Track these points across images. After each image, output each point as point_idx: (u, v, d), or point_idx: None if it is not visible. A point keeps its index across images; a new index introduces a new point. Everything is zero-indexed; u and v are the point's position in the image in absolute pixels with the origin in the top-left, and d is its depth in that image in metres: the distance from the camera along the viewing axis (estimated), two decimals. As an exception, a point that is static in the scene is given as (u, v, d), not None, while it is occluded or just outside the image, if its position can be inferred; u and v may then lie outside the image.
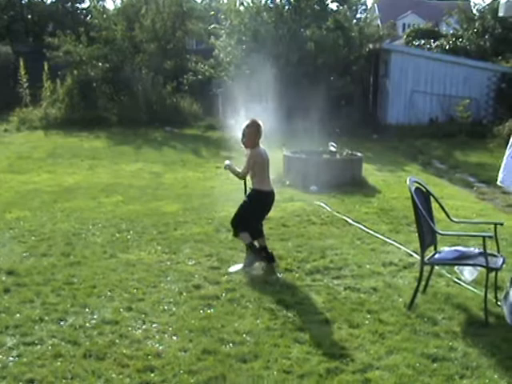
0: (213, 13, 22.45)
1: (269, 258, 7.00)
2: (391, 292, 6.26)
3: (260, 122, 6.98)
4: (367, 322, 5.54)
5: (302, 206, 10.00)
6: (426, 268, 6.06)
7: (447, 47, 23.83)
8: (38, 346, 4.98)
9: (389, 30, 26.95)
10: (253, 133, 6.92)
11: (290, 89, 19.08)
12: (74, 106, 20.22)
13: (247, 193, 7.15)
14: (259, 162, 6.93)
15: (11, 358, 4.77)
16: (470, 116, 18.77)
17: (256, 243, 7.04)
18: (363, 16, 22.58)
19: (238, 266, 6.87)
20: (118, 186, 11.35)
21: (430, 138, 17.71)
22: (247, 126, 6.93)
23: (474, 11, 26.45)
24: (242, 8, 21.03)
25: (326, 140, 12.98)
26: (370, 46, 21.32)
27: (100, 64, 20.92)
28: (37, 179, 12.08)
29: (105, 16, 21.91)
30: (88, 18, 27.30)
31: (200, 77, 21.18)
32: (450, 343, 5.11)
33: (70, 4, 30.60)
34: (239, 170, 7.03)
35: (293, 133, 17.09)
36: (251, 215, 7.04)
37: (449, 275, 6.65)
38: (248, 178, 7.09)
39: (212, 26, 22.09)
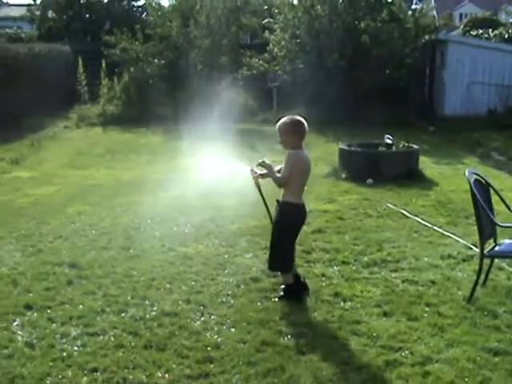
0: (266, 7, 22.46)
1: (305, 286, 6.00)
2: (450, 285, 6.19)
3: (302, 120, 5.73)
4: (426, 314, 5.50)
5: (358, 199, 9.95)
6: (486, 261, 5.97)
7: (506, 36, 23.32)
8: (101, 337, 5.10)
9: (445, 21, 26.62)
10: (294, 133, 5.69)
11: (344, 82, 18.97)
12: (130, 103, 20.54)
13: (277, 209, 5.87)
14: (299, 167, 5.68)
15: (75, 348, 4.90)
16: (531, 106, 18.35)
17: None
18: (419, 7, 22.25)
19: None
20: (175, 181, 11.46)
21: (488, 129, 17.37)
22: (286, 125, 5.71)
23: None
24: (295, 1, 21.00)
25: (382, 133, 12.85)
26: (426, 37, 21.02)
27: (156, 61, 21.16)
28: (96, 174, 12.33)
29: (160, 13, 22.13)
30: (143, 16, 27.70)
31: (254, 71, 21.22)
32: (512, 337, 5.04)
33: (126, 2, 31.07)
34: (278, 175, 5.74)
35: (348, 126, 17.03)
36: (288, 240, 5.87)
37: (509, 268, 6.54)
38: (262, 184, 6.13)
39: (266, 20, 22.13)
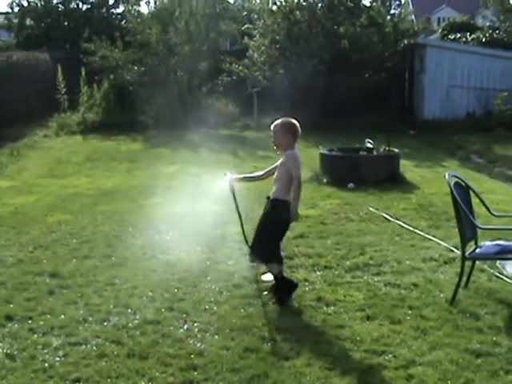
0: (245, 13, 22.50)
1: (294, 283, 6.13)
2: (432, 288, 6.22)
3: (295, 122, 6.07)
4: (409, 317, 5.51)
5: (340, 203, 9.98)
6: (468, 263, 6.00)
7: (484, 40, 23.52)
8: (83, 346, 5.06)
9: (424, 25, 26.79)
10: (292, 133, 6.00)
11: (324, 87, 19.04)
12: (110, 110, 20.46)
13: (268, 205, 6.04)
14: (297, 166, 5.90)
15: (57, 358, 4.86)
16: (509, 109, 18.48)
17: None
18: (397, 11, 22.43)
19: (272, 276, 6.28)
20: (156, 189, 11.43)
21: (467, 132, 17.50)
22: (285, 126, 6.04)
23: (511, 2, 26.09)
24: (274, 7, 21.06)
25: (363, 137, 12.90)
26: (405, 41, 21.16)
27: (136, 68, 21.09)
28: (77, 183, 12.25)
29: (139, 20, 22.07)
30: (123, 23, 27.61)
31: (234, 77, 21.25)
32: (494, 338, 5.06)
33: (104, 10, 30.96)
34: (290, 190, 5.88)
35: (328, 131, 17.08)
36: (277, 235, 6.05)
37: (491, 270, 6.58)
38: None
39: (245, 26, 22.16)
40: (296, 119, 6.14)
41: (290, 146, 5.98)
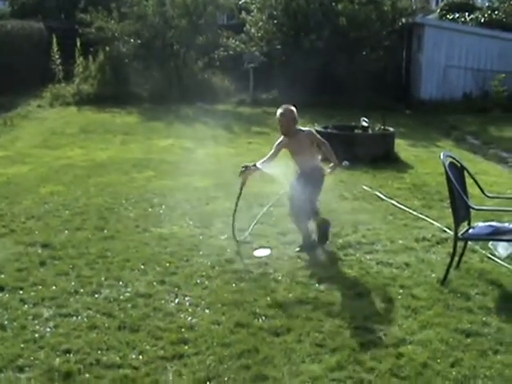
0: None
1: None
2: (424, 267, 6.23)
3: (293, 108, 6.80)
4: (400, 296, 5.53)
5: (333, 181, 9.95)
6: (460, 244, 6.01)
7: (482, 20, 23.36)
8: (74, 318, 5.06)
9: (422, 4, 26.56)
10: (295, 120, 6.79)
11: (321, 64, 18.94)
12: (106, 82, 20.28)
13: (310, 176, 6.72)
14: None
15: (48, 329, 4.85)
16: (506, 91, 18.43)
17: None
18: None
19: (265, 251, 6.62)
20: (149, 162, 11.41)
21: (463, 113, 17.46)
22: (294, 113, 6.79)
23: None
24: (273, -18, 20.85)
25: (358, 115, 12.86)
26: (403, 20, 20.99)
27: (132, 40, 20.90)
28: (70, 154, 12.19)
29: (136, -9, 21.83)
30: (119, -6, 27.28)
31: (231, 52, 21.10)
32: (484, 318, 5.08)
33: (101, -20, 30.57)
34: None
35: (324, 108, 17.03)
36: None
37: (483, 251, 6.59)
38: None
39: (243, 0, 21.96)
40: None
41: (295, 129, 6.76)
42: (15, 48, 20.05)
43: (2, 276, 5.90)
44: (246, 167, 6.67)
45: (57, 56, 20.19)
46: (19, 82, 19.53)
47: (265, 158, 6.67)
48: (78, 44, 20.26)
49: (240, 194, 6.91)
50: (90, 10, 21.28)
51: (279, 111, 6.82)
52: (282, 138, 6.82)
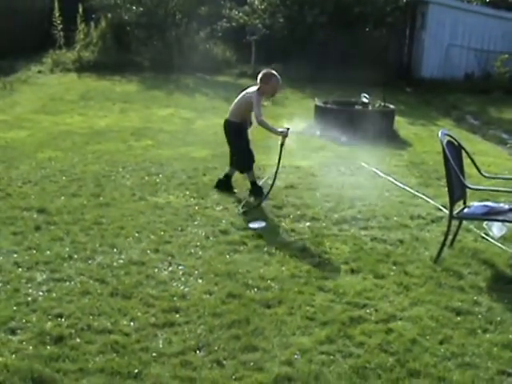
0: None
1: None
2: (418, 245, 6.25)
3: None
4: (392, 273, 5.55)
5: (331, 156, 9.96)
6: (454, 222, 6.02)
7: (487, 0, 23.17)
8: (67, 283, 5.08)
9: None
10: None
11: (324, 38, 18.83)
12: (107, 50, 20.14)
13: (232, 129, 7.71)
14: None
15: (41, 293, 4.87)
16: (508, 72, 18.32)
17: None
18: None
19: (260, 224, 6.68)
20: (148, 131, 11.38)
21: (464, 93, 17.36)
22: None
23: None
24: (278, -47, 20.63)
25: (359, 91, 12.81)
26: (408, -4, 20.85)
27: (134, 8, 20.74)
28: (69, 121, 12.15)
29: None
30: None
31: (234, 24, 20.95)
32: (475, 297, 5.10)
33: None
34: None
35: (325, 83, 16.95)
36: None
37: (477, 230, 6.61)
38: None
39: (248, -29, 21.72)
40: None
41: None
42: (17, 13, 19.88)
43: (-3, 239, 5.91)
44: (287, 129, 7.35)
45: (58, 22, 20.01)
46: (20, 47, 19.41)
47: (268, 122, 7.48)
48: (80, 10, 20.08)
49: (280, 154, 7.34)
50: (94, -25, 21.07)
51: (278, 77, 7.58)
52: (260, 97, 7.51)
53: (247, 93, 7.64)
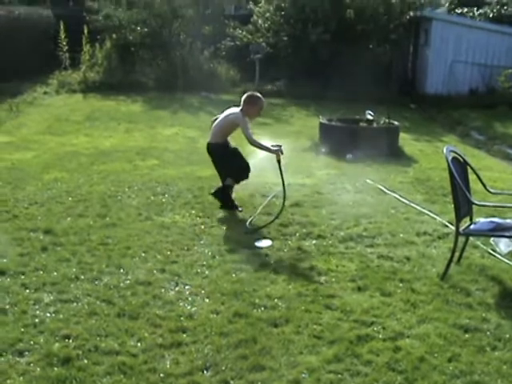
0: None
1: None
2: (424, 262, 6.24)
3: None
4: (399, 290, 5.53)
5: (337, 173, 9.97)
6: (461, 239, 6.02)
7: (491, 15, 23.24)
8: (74, 304, 5.08)
9: (431, -2, 26.36)
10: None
11: (327, 56, 18.91)
12: (112, 70, 20.28)
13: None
14: None
15: (48, 314, 4.88)
16: (512, 87, 18.34)
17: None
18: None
19: (267, 243, 6.68)
20: (153, 150, 11.42)
21: (469, 108, 17.36)
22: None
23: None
24: (281, -27, 20.78)
25: (364, 108, 12.84)
26: (411, 13, 20.91)
27: (139, 28, 20.90)
28: (74, 141, 12.20)
29: (144, -20, 21.80)
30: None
31: (238, 43, 21.07)
32: (483, 314, 5.09)
33: (109, -33, 30.50)
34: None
35: (329, 100, 16.99)
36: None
37: (484, 247, 6.59)
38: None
39: (251, -10, 21.90)
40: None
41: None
42: (23, 34, 20.04)
43: (4, 261, 5.92)
44: (278, 146, 7.43)
45: (64, 43, 20.20)
46: (26, 69, 19.53)
47: (259, 140, 7.53)
48: (86, 31, 20.25)
49: (281, 170, 7.41)
50: (98, -3, 21.29)
51: (263, 100, 7.71)
52: (247, 120, 7.52)
53: (230, 114, 7.70)
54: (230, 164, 7.74)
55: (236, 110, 7.66)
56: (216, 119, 7.92)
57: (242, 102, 7.63)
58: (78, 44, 20.33)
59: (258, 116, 7.91)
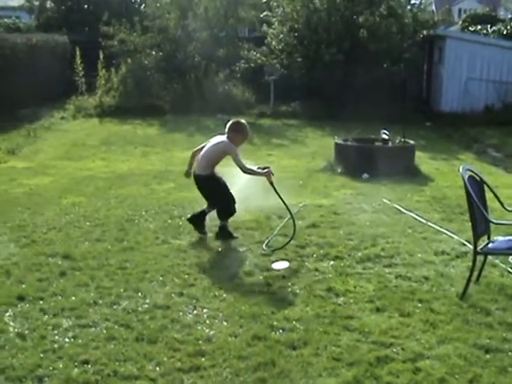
0: (265, 0, 22.34)
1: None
2: (443, 281, 6.20)
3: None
4: (418, 310, 5.50)
5: (353, 193, 9.96)
6: (479, 258, 5.98)
7: (505, 32, 23.24)
8: (93, 329, 5.10)
9: (444, 16, 26.50)
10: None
11: (341, 76, 18.97)
12: (127, 94, 20.46)
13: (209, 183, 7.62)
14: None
15: (67, 340, 4.89)
16: (527, 103, 18.29)
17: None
18: (417, 2, 22.18)
19: (284, 264, 6.64)
20: (170, 173, 11.47)
21: (484, 125, 17.34)
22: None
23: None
24: (294, -5, 20.92)
25: (379, 128, 12.84)
26: (424, 32, 20.96)
27: (153, 53, 21.09)
28: (91, 166, 12.30)
29: (158, 5, 22.01)
30: (142, 7, 27.55)
31: (252, 64, 21.19)
32: (504, 334, 5.03)
33: (124, -7, 30.87)
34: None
35: (344, 120, 17.00)
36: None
37: (503, 265, 6.55)
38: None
39: (264, 13, 22.04)
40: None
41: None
42: (40, 61, 20.31)
43: (23, 286, 5.96)
44: (266, 167, 7.51)
45: (80, 68, 20.44)
46: (43, 94, 19.81)
47: (248, 165, 7.49)
48: (101, 56, 20.49)
49: (276, 191, 7.49)
50: (113, 23, 21.52)
51: (247, 127, 7.67)
52: (235, 148, 7.42)
53: (218, 143, 7.54)
54: (220, 197, 7.64)
55: (222, 138, 7.55)
56: (199, 149, 7.74)
57: (227, 130, 7.51)
58: (94, 69, 20.58)
59: (242, 143, 7.72)
